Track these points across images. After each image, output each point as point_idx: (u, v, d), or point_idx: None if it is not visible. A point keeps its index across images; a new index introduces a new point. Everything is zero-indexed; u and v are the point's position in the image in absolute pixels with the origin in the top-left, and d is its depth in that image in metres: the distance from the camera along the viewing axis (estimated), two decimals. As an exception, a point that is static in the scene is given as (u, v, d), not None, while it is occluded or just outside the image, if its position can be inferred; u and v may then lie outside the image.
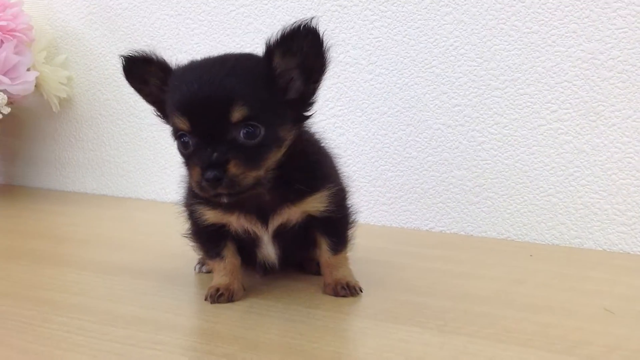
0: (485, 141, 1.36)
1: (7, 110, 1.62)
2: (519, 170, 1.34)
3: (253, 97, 0.79)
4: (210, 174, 0.77)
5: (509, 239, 1.36)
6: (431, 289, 1.01)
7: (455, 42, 1.37)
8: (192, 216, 0.96)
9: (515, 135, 1.33)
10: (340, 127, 1.52)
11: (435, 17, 1.38)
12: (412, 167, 1.44)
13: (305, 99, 0.86)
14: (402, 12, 1.42)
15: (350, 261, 1.01)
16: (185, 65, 0.87)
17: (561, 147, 1.29)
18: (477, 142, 1.37)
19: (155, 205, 1.78)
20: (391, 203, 1.48)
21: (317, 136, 1.00)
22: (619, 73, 1.23)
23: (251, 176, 0.80)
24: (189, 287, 1.03)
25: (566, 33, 1.27)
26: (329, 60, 0.84)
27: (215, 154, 0.78)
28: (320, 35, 0.81)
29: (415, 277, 1.08)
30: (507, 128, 1.34)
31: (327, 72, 0.85)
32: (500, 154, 1.35)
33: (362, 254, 1.13)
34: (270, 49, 0.83)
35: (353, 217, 1.01)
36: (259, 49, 1.50)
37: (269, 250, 0.95)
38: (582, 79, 1.26)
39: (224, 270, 0.94)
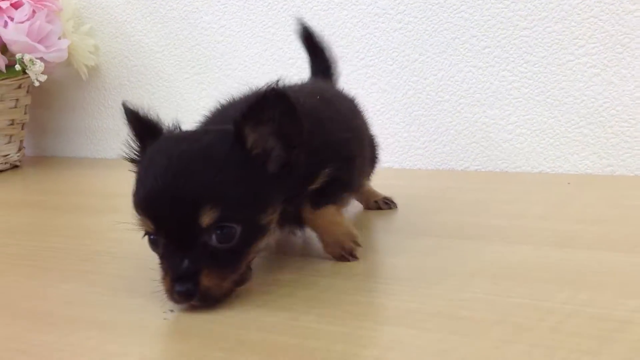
0: (516, 80, 1.42)
1: (43, 77, 1.67)
2: (550, 105, 1.40)
3: (226, 193, 0.70)
4: (180, 288, 0.68)
5: (543, 172, 1.43)
6: (485, 213, 1.08)
7: (482, -14, 1.43)
8: None
9: (545, 72, 1.40)
10: (372, 77, 1.58)
11: (461, -37, 1.44)
12: (445, 110, 1.50)
13: (288, 168, 0.75)
14: (429, -40, 1.47)
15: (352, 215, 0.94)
16: (155, 146, 0.76)
17: (590, 80, 1.36)
18: (507, 81, 1.43)
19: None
20: (426, 147, 1.54)
21: (328, 100, 0.92)
22: (644, 5, 1.30)
23: (228, 283, 0.71)
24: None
25: (591, -30, 1.33)
26: (302, 123, 0.74)
27: (186, 262, 0.68)
28: (291, 97, 0.72)
29: (465, 205, 1.15)
30: (536, 66, 1.40)
31: (304, 135, 0.75)
32: (530, 91, 1.41)
33: (404, 192, 1.19)
34: (240, 126, 0.72)
35: (353, 183, 0.92)
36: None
37: None
38: (608, 14, 1.32)
39: None
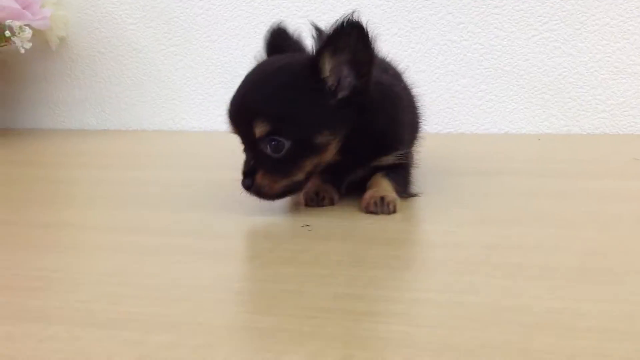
0: (487, 52, 1.63)
1: (28, 45, 1.67)
2: (516, 74, 1.62)
3: (280, 110, 0.82)
4: (243, 182, 0.84)
5: (509, 132, 1.64)
6: (485, 161, 1.27)
7: (458, -32, 1.62)
8: None
9: (513, 45, 1.61)
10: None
11: (438, -53, 1.63)
12: (422, 79, 1.67)
13: (357, 94, 0.84)
14: (409, -56, 1.65)
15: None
16: (255, 64, 0.91)
17: (552, 52, 1.59)
18: (479, 53, 1.63)
19: (163, 135, 1.90)
20: (403, 112, 1.71)
21: (394, 85, 0.97)
22: (598, -11, 1.54)
23: (279, 185, 0.84)
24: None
25: (553, -42, 1.56)
26: (375, 51, 0.83)
27: (252, 162, 0.84)
28: (365, 27, 0.80)
29: (467, 156, 1.33)
30: (505, 40, 1.61)
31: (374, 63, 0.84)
32: (500, 62, 1.62)
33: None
34: (319, 52, 0.83)
35: (412, 173, 0.99)
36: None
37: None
38: (569, -5, 1.56)
39: (318, 181, 0.94)
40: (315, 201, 0.90)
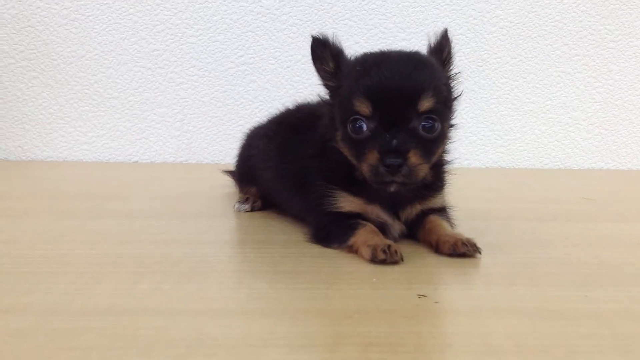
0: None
1: None
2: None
3: (438, 92, 0.81)
4: (392, 161, 0.78)
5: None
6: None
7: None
8: (321, 200, 0.91)
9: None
10: (251, 74, 1.59)
11: None
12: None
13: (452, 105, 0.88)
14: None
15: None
16: (365, 55, 0.87)
17: (455, 87, 1.60)
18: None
19: (7, 165, 1.59)
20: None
21: None
22: (500, 28, 1.58)
23: (425, 168, 0.81)
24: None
25: (460, -6, 1.57)
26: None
27: (395, 141, 0.78)
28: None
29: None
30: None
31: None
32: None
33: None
34: (449, 50, 0.88)
35: None
36: None
37: (394, 232, 0.92)
38: (473, 32, 1.58)
39: (374, 233, 0.87)
40: (388, 255, 0.80)
